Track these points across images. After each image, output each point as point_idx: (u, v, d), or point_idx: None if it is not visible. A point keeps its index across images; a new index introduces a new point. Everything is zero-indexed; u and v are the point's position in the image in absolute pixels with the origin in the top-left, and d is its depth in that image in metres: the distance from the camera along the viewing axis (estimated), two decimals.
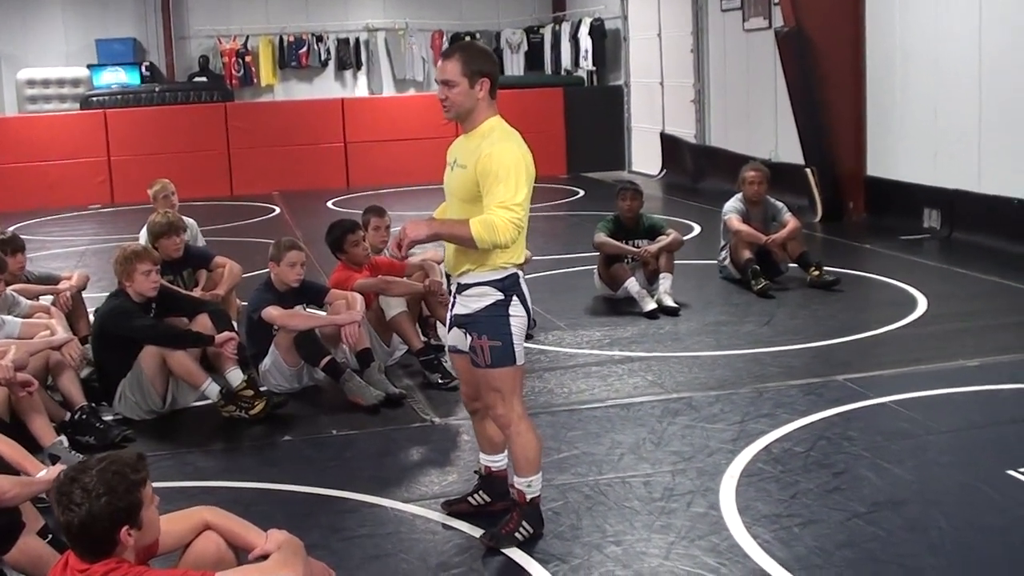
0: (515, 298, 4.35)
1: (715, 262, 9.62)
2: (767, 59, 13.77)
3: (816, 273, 9.04)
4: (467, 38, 19.09)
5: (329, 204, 15.39)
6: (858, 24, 12.35)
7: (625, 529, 4.63)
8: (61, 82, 19.03)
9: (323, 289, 6.99)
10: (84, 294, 7.59)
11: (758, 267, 8.98)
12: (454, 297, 4.47)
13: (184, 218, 8.00)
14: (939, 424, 5.78)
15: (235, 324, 7.10)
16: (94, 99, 17.95)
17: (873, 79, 12.32)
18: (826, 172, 12.51)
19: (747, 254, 9.05)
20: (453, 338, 4.55)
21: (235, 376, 6.38)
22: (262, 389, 6.48)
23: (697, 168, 16.28)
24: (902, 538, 4.47)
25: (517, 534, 4.48)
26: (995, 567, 4.27)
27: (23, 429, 5.41)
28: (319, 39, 20.51)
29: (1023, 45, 10.09)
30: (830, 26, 12.27)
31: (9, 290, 6.70)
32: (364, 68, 20.82)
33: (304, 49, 20.44)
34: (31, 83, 18.93)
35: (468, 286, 4.36)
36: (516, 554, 4.42)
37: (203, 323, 6.52)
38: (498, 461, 4.79)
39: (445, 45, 20.08)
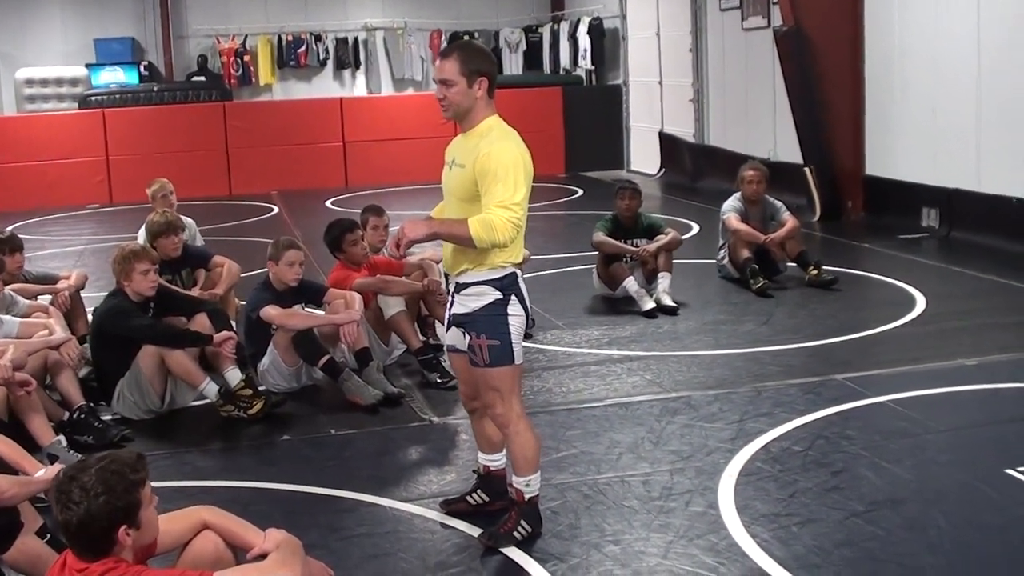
0: (514, 297, 4.35)
1: (714, 261, 9.62)
2: (766, 58, 13.77)
3: (815, 272, 9.04)
4: (465, 37, 19.06)
5: (327, 203, 15.39)
6: (857, 23, 12.35)
7: (624, 528, 4.63)
8: (59, 81, 19.02)
9: (321, 288, 6.98)
10: (82, 294, 7.59)
11: (757, 266, 8.98)
12: (452, 296, 4.47)
13: (182, 217, 7.99)
14: (938, 423, 5.78)
15: (233, 323, 7.10)
16: (92, 98, 17.95)
17: (872, 78, 12.32)
18: (825, 171, 12.51)
19: (746, 253, 9.05)
20: (451, 337, 4.55)
21: (233, 375, 6.38)
22: (260, 388, 6.48)
23: (696, 167, 16.28)
24: (901, 537, 4.47)
25: (515, 533, 4.48)
26: (994, 566, 4.27)
27: (21, 429, 5.42)
28: (318, 38, 20.51)
29: (1021, 44, 10.10)
30: (829, 25, 12.27)
31: (7, 290, 6.70)
32: (363, 67, 20.81)
33: (303, 48, 20.43)
34: (29, 82, 18.91)
35: (466, 285, 4.36)
36: (514, 553, 4.42)
37: (201, 322, 6.52)
38: (496, 460, 4.79)
39: (444, 44, 20.08)
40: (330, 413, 6.39)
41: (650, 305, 8.30)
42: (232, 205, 15.99)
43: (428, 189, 13.67)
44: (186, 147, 17.02)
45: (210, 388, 6.30)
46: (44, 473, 4.17)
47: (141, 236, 7.81)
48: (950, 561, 4.26)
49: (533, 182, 4.35)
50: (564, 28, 19.63)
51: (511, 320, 4.34)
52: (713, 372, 6.87)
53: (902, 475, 5.10)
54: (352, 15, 20.71)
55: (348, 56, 20.67)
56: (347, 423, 6.19)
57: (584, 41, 18.83)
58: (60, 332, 6.28)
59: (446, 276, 5.37)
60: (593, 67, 18.97)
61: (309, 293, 6.94)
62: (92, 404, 6.23)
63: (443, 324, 5.02)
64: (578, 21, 19.14)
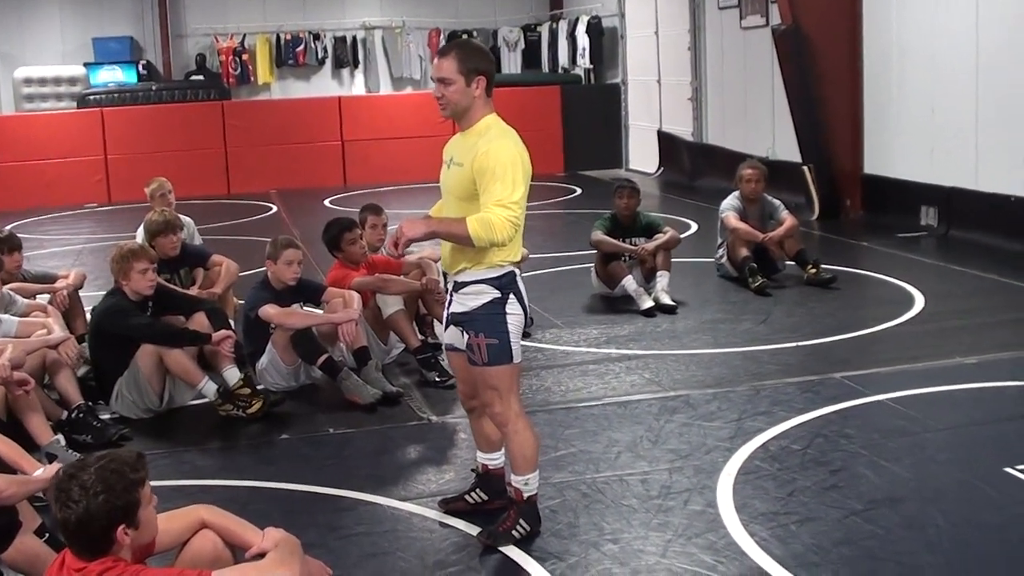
0: (512, 296, 4.35)
1: (712, 260, 9.62)
2: (764, 57, 13.77)
3: (813, 271, 9.04)
4: (464, 36, 19.07)
5: (326, 202, 15.38)
6: (855, 21, 12.35)
7: (622, 527, 4.63)
8: (58, 81, 18.99)
9: (320, 287, 6.98)
10: (81, 293, 7.59)
11: (755, 265, 8.98)
12: (451, 295, 4.47)
13: (181, 216, 7.98)
14: (937, 421, 5.78)
15: (232, 322, 7.10)
16: (91, 98, 17.94)
17: (870, 76, 12.32)
18: (823, 170, 12.51)
19: (744, 252, 9.05)
20: (450, 336, 4.55)
21: (232, 375, 6.38)
22: (259, 387, 6.48)
23: (694, 166, 16.28)
24: (899, 536, 4.47)
25: (514, 532, 4.48)
26: (993, 564, 4.27)
27: (20, 428, 5.42)
28: (316, 37, 20.50)
29: (1020, 42, 10.10)
30: (827, 24, 12.27)
31: (6, 289, 6.71)
32: (361, 66, 20.80)
33: (301, 47, 20.42)
34: (28, 82, 18.89)
35: (465, 284, 4.36)
36: (513, 552, 4.42)
37: (200, 321, 6.51)
38: (495, 459, 4.79)
39: (442, 43, 20.06)
40: (329, 412, 6.39)
41: (648, 304, 8.30)
42: (230, 204, 15.99)
43: (426, 188, 13.66)
44: (184, 146, 17.01)
45: (209, 387, 6.29)
46: (42, 472, 4.17)
47: (139, 235, 7.80)
48: (949, 560, 4.26)
49: (531, 181, 4.34)
50: (563, 27, 19.63)
51: (509, 319, 4.34)
52: (711, 371, 6.87)
53: (901, 473, 5.10)
54: (350, 14, 20.70)
55: (346, 55, 20.66)
56: (346, 422, 6.19)
57: (583, 40, 18.83)
58: (58, 331, 6.29)
59: (444, 275, 5.37)
60: (592, 66, 18.96)
61: (307, 292, 6.93)
62: (90, 403, 6.23)
63: (441, 323, 5.02)
64: (577, 20, 19.14)
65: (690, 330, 7.88)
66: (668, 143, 17.22)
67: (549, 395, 6.53)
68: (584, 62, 18.96)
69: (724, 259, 9.35)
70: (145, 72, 19.14)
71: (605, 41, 18.82)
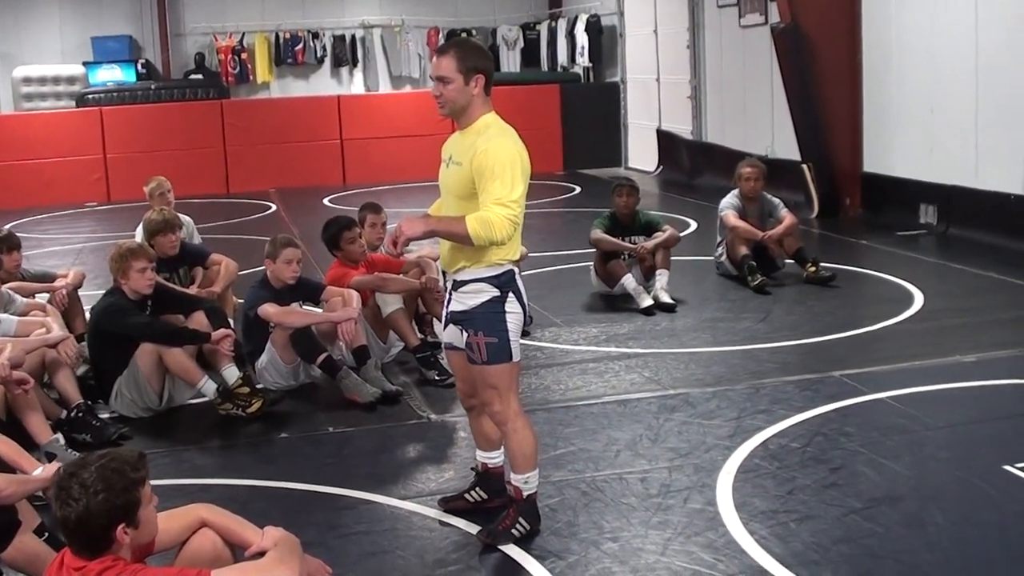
0: (511, 295, 4.35)
1: (711, 258, 9.62)
2: (763, 55, 13.76)
3: (812, 269, 9.04)
4: (463, 35, 19.06)
5: (325, 201, 15.38)
6: (854, 20, 12.34)
7: (622, 525, 4.63)
8: (57, 80, 18.97)
9: (319, 286, 6.98)
10: (80, 292, 7.58)
11: (754, 263, 8.98)
12: (450, 294, 4.46)
13: (180, 215, 7.98)
14: (936, 420, 5.78)
15: (231, 321, 7.10)
16: (90, 97, 17.93)
17: (869, 75, 12.32)
18: (822, 168, 12.50)
19: (743, 250, 9.05)
20: (449, 335, 4.55)
21: (231, 373, 6.38)
22: (258, 386, 6.48)
23: (693, 164, 16.28)
24: (899, 534, 4.47)
25: (514, 530, 4.48)
26: (992, 563, 4.27)
27: (19, 427, 5.42)
28: (315, 36, 20.49)
29: (1019, 41, 10.09)
30: (826, 22, 12.27)
31: (5, 288, 6.71)
32: (360, 65, 20.78)
33: (300, 46, 20.40)
34: (27, 81, 18.87)
35: (464, 283, 4.36)
36: (513, 550, 4.42)
37: (199, 320, 6.52)
38: (495, 458, 4.79)
39: (441, 42, 20.04)
40: (328, 411, 6.39)
41: (648, 302, 8.30)
42: (230, 203, 15.98)
43: (425, 186, 13.65)
44: (184, 145, 17.01)
45: (208, 386, 6.29)
46: (42, 471, 4.16)
47: (139, 234, 7.80)
48: (948, 557, 4.27)
49: (530, 179, 4.34)
50: (562, 25, 19.62)
51: (509, 317, 4.34)
52: (711, 369, 6.87)
53: (900, 472, 5.11)
54: (349, 12, 20.69)
55: (345, 53, 20.65)
56: (345, 421, 6.19)
57: (582, 38, 18.82)
58: (58, 330, 6.29)
59: (443, 273, 5.38)
60: (591, 64, 18.95)
61: (307, 291, 6.93)
62: (90, 402, 6.23)
63: (441, 322, 5.02)
64: (576, 18, 19.13)
65: (689, 328, 7.88)
66: (667, 141, 17.22)
67: (548, 393, 6.53)
68: (583, 60, 18.95)
69: (723, 257, 9.35)
70: (144, 71, 19.13)
71: (604, 39, 18.81)
